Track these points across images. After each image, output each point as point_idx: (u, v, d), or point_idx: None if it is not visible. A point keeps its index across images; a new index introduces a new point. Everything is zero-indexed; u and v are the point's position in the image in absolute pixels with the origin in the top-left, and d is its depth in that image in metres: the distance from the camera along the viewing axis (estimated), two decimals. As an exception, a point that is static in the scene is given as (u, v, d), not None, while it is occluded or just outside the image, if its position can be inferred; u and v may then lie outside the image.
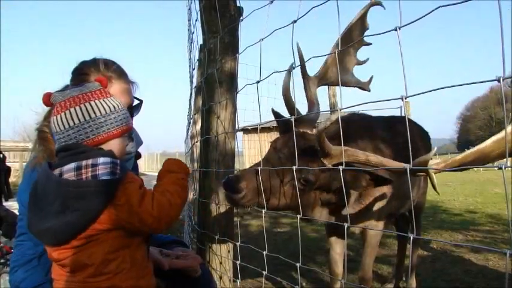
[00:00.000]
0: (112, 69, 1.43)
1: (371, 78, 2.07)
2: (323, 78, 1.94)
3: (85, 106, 1.10)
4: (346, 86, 2.04)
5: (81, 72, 1.40)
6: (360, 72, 2.04)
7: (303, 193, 1.72)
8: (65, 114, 1.09)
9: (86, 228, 1.02)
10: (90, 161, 1.04)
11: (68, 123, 1.09)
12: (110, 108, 1.14)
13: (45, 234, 1.05)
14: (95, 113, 1.11)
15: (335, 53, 1.27)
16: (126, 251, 1.09)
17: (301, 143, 1.67)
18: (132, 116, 1.51)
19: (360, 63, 2.05)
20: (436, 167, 1.27)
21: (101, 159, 1.05)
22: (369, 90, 2.07)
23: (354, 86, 2.05)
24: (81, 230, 1.02)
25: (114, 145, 1.15)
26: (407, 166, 1.08)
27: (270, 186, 1.68)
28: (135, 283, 1.10)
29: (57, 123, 1.10)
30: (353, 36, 1.89)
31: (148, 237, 1.24)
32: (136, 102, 1.55)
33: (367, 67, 2.07)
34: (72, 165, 1.04)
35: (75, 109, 1.09)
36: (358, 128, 2.10)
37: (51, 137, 1.40)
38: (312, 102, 1.88)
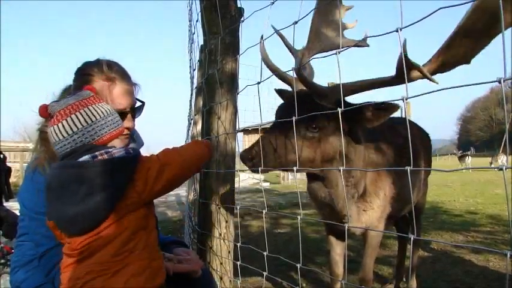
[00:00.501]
0: (115, 70, 1.44)
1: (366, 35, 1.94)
2: (312, 48, 1.91)
3: (85, 111, 1.15)
4: (341, 49, 1.91)
5: (84, 73, 1.41)
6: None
7: (321, 141, 1.69)
8: (67, 121, 1.13)
9: (116, 206, 1.09)
10: (102, 151, 1.11)
11: (72, 129, 1.13)
12: (106, 111, 1.21)
13: (74, 221, 1.07)
14: (95, 116, 1.17)
15: (336, 53, 1.27)
16: (142, 233, 1.16)
17: (301, 95, 1.65)
18: (134, 117, 1.52)
19: (348, 26, 1.91)
20: (429, 66, 1.19)
21: (112, 148, 1.14)
22: (368, 45, 1.94)
23: (350, 46, 1.84)
24: (111, 208, 1.08)
25: (113, 145, 1.21)
26: (408, 168, 1.07)
27: (283, 144, 1.66)
28: (148, 264, 1.15)
29: (60, 131, 1.13)
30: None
31: (157, 224, 1.32)
32: (138, 104, 1.55)
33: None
34: (87, 156, 1.10)
35: (76, 115, 1.14)
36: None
37: None
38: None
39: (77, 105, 1.16)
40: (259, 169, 1.63)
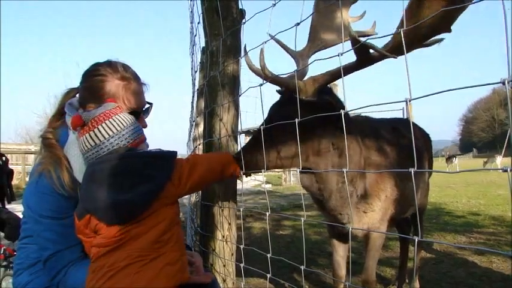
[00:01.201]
0: (130, 71, 1.46)
1: (374, 22, 1.86)
2: (313, 46, 1.89)
3: (117, 117, 1.25)
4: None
5: (97, 74, 1.41)
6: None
7: (309, 137, 1.66)
8: (102, 126, 1.22)
9: (157, 197, 1.18)
10: (141, 151, 1.25)
11: (108, 133, 1.22)
12: (131, 119, 1.30)
13: (122, 207, 1.14)
14: (126, 122, 1.27)
15: (338, 55, 1.27)
16: (176, 227, 1.24)
17: (286, 97, 1.71)
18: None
19: (353, 19, 1.89)
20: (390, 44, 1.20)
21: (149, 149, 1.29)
22: (376, 33, 1.87)
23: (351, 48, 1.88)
24: (155, 198, 1.17)
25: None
26: (412, 170, 1.07)
27: (273, 144, 1.64)
28: (180, 256, 1.22)
29: (96, 136, 1.22)
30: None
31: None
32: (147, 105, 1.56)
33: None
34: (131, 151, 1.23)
35: (110, 121, 1.24)
36: (363, 127, 2.10)
37: (57, 143, 1.41)
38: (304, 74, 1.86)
39: (108, 113, 1.25)
40: (262, 171, 1.63)
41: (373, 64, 1.31)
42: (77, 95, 1.51)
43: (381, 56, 1.22)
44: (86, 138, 1.22)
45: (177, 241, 1.23)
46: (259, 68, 1.63)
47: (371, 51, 1.24)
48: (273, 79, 1.58)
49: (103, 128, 1.22)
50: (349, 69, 1.35)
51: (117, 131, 1.23)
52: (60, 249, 1.32)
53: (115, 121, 1.24)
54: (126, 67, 1.46)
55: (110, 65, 1.43)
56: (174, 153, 1.29)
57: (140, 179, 1.16)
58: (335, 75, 1.48)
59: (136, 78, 1.47)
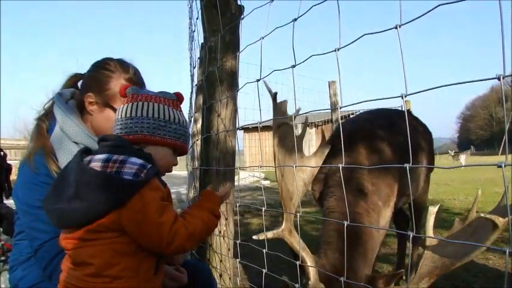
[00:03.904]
0: (138, 77, 1.48)
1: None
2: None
3: (153, 105, 1.14)
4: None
5: (106, 68, 1.43)
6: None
7: None
8: (132, 105, 1.13)
9: (91, 222, 1.00)
10: (121, 157, 1.03)
11: (130, 113, 1.13)
12: (174, 118, 1.17)
13: (53, 213, 1.05)
14: (159, 114, 1.14)
15: (335, 50, 1.27)
16: (130, 259, 1.04)
17: None
18: None
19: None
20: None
21: (133, 159, 1.03)
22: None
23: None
24: (84, 222, 1.00)
25: (160, 153, 1.15)
26: (407, 165, 1.07)
27: None
28: None
29: (121, 111, 1.14)
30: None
31: None
32: None
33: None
34: (103, 156, 1.05)
35: (143, 103, 1.13)
36: (360, 136, 2.12)
37: (46, 133, 1.42)
38: None
39: (151, 97, 1.15)
40: (259, 166, 1.63)
41: None
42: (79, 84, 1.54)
43: None
44: (118, 110, 1.17)
45: (133, 276, 1.04)
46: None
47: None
48: None
49: (131, 106, 1.13)
50: None
51: (141, 116, 1.12)
52: (51, 238, 1.31)
53: (148, 107, 1.13)
54: (136, 72, 1.47)
55: (122, 63, 1.45)
56: (139, 181, 1.00)
57: (78, 195, 1.00)
58: None
59: (142, 85, 1.49)
